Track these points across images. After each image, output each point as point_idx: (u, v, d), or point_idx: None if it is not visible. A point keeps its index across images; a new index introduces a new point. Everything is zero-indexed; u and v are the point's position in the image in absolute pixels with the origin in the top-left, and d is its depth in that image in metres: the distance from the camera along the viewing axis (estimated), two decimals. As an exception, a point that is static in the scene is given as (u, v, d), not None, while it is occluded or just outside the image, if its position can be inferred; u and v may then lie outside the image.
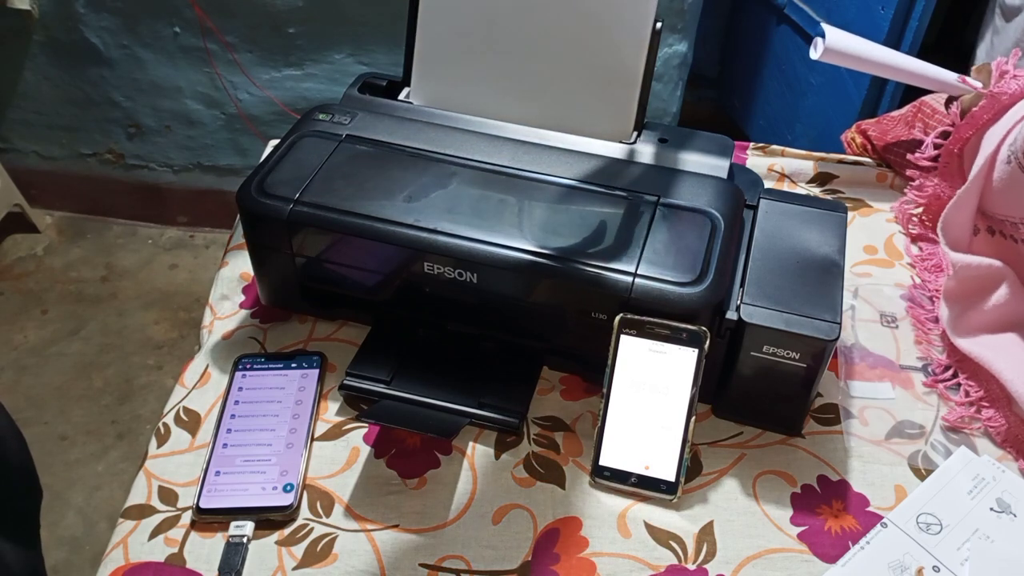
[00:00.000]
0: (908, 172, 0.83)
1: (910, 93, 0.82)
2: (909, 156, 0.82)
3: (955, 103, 0.77)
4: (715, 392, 0.65)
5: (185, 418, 0.66)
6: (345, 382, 0.66)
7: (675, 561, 0.58)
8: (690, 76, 1.67)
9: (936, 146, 0.80)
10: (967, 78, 0.77)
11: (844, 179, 0.88)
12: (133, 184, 1.92)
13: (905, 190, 0.84)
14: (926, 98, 0.85)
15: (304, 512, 0.60)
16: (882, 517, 0.60)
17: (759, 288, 0.61)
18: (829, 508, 0.61)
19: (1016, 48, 0.78)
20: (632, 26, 0.69)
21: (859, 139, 0.91)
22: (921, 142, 0.82)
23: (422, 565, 0.57)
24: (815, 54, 0.78)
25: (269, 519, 0.59)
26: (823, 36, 0.77)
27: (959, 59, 0.82)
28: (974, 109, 0.74)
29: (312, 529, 0.59)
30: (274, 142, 0.80)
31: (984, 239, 0.75)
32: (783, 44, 1.70)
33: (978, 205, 0.73)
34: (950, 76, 0.78)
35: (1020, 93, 0.71)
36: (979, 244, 0.75)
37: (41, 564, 0.78)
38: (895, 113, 0.88)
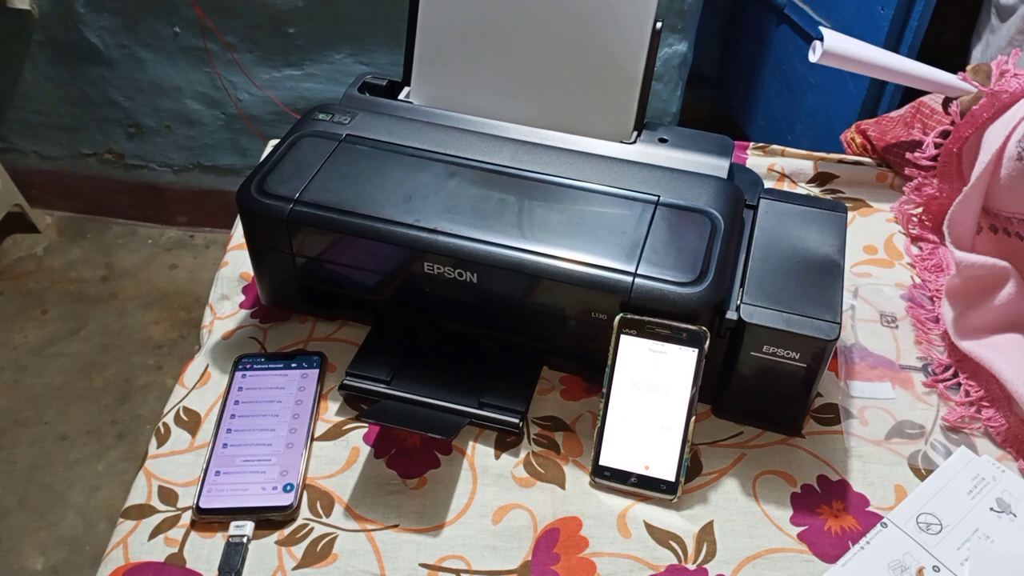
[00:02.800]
0: (907, 172, 0.83)
1: (910, 93, 0.83)
2: (908, 156, 0.82)
3: (954, 103, 0.77)
4: (715, 392, 0.65)
5: (185, 418, 0.66)
6: (345, 382, 0.66)
7: (675, 561, 0.58)
8: (690, 76, 1.67)
9: (936, 146, 0.80)
10: (967, 76, 0.77)
11: (844, 179, 0.88)
12: (133, 184, 1.92)
13: (904, 189, 0.84)
14: (925, 98, 0.85)
15: (304, 512, 0.60)
16: (882, 517, 0.60)
17: (759, 288, 0.61)
18: (829, 508, 0.61)
19: (1016, 48, 0.78)
20: (632, 26, 0.69)
21: (859, 139, 0.91)
22: (921, 142, 0.82)
23: (422, 565, 0.57)
24: (814, 57, 0.78)
25: (269, 519, 0.59)
26: (822, 39, 0.77)
27: (954, 59, 0.81)
28: (974, 108, 0.74)
29: (312, 529, 0.59)
30: (274, 142, 0.80)
31: (987, 237, 0.75)
32: (783, 44, 1.70)
33: (982, 203, 0.73)
34: (950, 77, 0.78)
35: (1021, 91, 0.71)
36: (981, 243, 0.75)
37: None
38: (894, 113, 0.88)
